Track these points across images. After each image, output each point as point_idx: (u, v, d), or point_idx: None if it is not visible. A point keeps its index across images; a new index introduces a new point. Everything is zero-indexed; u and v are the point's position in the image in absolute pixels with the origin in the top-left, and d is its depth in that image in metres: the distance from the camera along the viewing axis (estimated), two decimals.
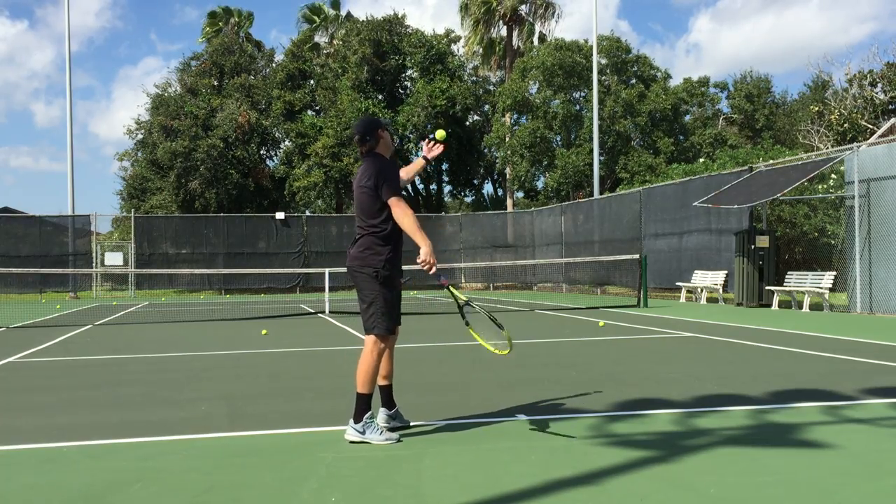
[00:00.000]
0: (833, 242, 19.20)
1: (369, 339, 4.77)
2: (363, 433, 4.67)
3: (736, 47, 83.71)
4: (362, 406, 4.69)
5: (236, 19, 44.15)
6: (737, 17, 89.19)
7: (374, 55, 36.12)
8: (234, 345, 10.65)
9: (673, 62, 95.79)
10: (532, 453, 4.39)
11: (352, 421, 4.72)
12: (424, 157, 5.60)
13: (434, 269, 4.75)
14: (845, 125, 28.43)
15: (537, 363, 8.23)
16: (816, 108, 32.38)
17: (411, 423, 5.12)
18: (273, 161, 39.94)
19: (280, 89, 37.90)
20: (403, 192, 4.99)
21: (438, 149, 5.58)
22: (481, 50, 40.45)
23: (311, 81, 39.19)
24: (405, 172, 5.46)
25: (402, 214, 4.73)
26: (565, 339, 10.98)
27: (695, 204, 18.75)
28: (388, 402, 5.04)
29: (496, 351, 4.96)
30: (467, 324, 4.99)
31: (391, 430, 4.90)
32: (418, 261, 4.73)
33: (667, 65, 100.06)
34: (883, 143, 15.43)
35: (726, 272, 18.73)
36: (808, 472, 3.95)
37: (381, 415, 5.00)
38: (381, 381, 4.97)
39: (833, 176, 19.53)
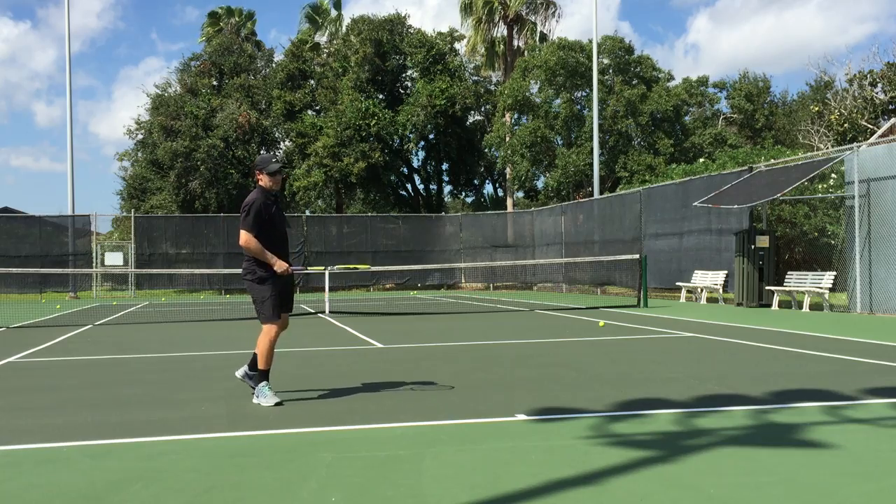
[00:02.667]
0: (833, 242, 19.19)
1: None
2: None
3: (735, 47, 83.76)
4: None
5: (237, 19, 44.13)
6: (736, 18, 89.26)
7: (375, 55, 36.11)
8: (234, 345, 10.66)
9: (672, 63, 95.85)
10: (532, 453, 4.39)
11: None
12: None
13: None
14: (845, 125, 28.41)
15: (537, 363, 8.23)
16: (816, 108, 32.36)
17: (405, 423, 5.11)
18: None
19: (280, 89, 37.89)
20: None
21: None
22: (483, 49, 40.42)
23: (312, 81, 39.18)
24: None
25: (244, 244, 5.83)
26: (565, 339, 10.98)
27: (695, 204, 18.75)
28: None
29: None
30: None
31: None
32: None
33: (666, 65, 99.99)
34: (883, 143, 15.43)
35: (726, 272, 18.72)
36: (808, 472, 3.95)
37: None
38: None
39: (833, 176, 19.52)
